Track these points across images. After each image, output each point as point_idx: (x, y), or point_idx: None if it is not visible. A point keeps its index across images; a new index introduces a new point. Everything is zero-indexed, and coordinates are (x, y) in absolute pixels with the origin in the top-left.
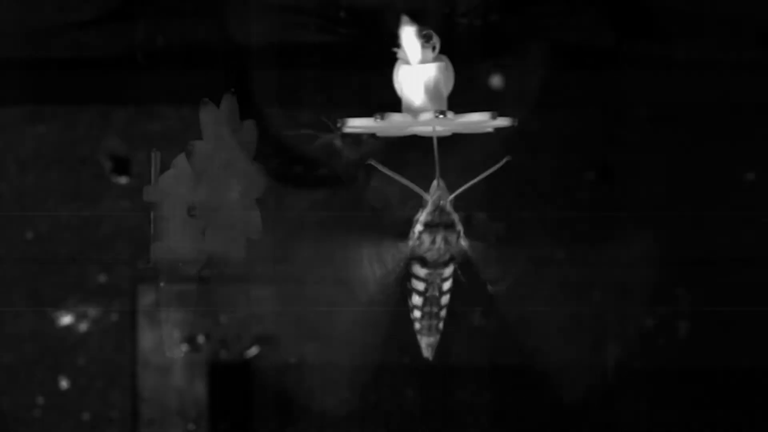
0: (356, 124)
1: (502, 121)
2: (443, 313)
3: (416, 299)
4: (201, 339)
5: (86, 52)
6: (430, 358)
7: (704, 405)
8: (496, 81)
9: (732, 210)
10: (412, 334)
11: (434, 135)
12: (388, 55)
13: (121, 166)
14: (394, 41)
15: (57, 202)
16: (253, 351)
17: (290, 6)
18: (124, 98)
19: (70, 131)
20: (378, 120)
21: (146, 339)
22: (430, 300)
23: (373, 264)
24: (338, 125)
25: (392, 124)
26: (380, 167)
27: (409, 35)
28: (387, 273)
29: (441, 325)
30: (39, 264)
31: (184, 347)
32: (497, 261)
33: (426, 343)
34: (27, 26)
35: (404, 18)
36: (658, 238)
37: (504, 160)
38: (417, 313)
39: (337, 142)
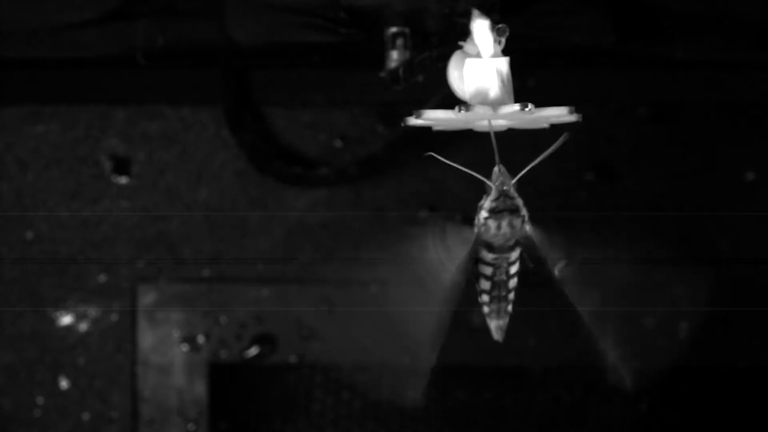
0: (433, 116)
1: (573, 117)
2: (511, 296)
3: (484, 284)
4: (201, 339)
5: (86, 52)
6: (501, 341)
7: (704, 405)
8: None
9: (732, 210)
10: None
11: (491, 125)
12: (384, 55)
13: (121, 166)
14: (465, 35)
15: (57, 202)
16: (253, 351)
17: (290, 6)
18: (124, 98)
19: (70, 131)
20: (462, 112)
21: (146, 339)
22: (498, 284)
23: (438, 250)
24: (413, 115)
25: (474, 117)
26: (440, 158)
27: (482, 28)
28: (453, 258)
29: (510, 307)
30: (39, 264)
31: (184, 347)
32: (561, 245)
33: (495, 326)
34: (27, 26)
35: (476, 12)
36: (658, 238)
37: (563, 138)
38: (485, 297)
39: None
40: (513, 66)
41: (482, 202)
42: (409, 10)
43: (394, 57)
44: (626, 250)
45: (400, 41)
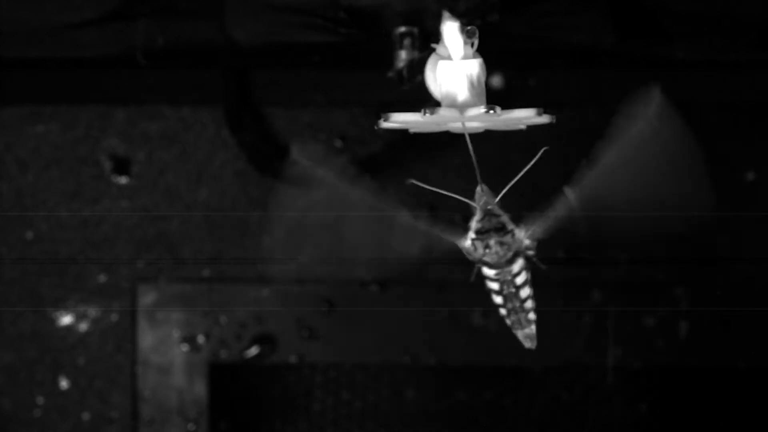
0: (400, 119)
1: (544, 118)
2: (528, 303)
3: (496, 299)
4: (201, 339)
5: (86, 52)
6: (533, 348)
7: (704, 405)
8: (495, 81)
9: (732, 210)
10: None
11: (466, 131)
12: (387, 55)
13: (121, 166)
14: (436, 37)
15: (57, 202)
16: (253, 351)
17: (290, 6)
18: (124, 98)
19: (70, 131)
20: (427, 115)
21: (146, 339)
22: (508, 297)
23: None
24: (380, 119)
25: (441, 120)
26: (422, 185)
27: (452, 31)
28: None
29: (531, 315)
30: (39, 264)
31: (184, 347)
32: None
33: (523, 336)
34: (27, 26)
35: (446, 14)
36: (659, 239)
37: (541, 151)
38: (503, 311)
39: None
40: (513, 66)
41: (470, 222)
42: (409, 10)
43: (402, 57)
44: (626, 250)
45: (407, 41)
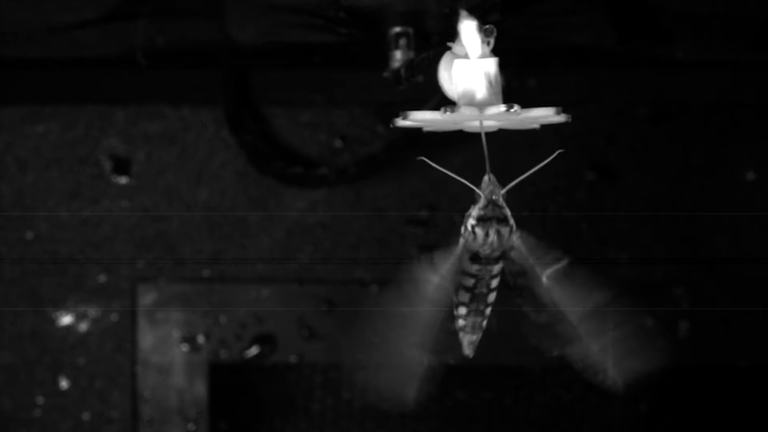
0: (419, 118)
1: (561, 118)
2: (488, 311)
3: (464, 296)
4: (201, 339)
5: (86, 52)
6: (471, 356)
7: (704, 405)
8: None
9: (732, 210)
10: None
11: (482, 131)
12: (387, 55)
13: (121, 166)
14: (451, 36)
15: (57, 202)
16: (253, 351)
17: (290, 6)
18: (124, 98)
19: (70, 131)
20: (447, 114)
21: (146, 339)
22: (477, 297)
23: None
24: (399, 116)
25: (460, 118)
26: (431, 164)
27: (469, 29)
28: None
29: (484, 323)
30: (39, 264)
31: (185, 347)
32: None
33: (468, 341)
34: (27, 26)
35: (463, 12)
36: (659, 238)
37: (555, 153)
38: (462, 310)
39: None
40: (513, 66)
41: (470, 210)
42: (409, 10)
43: (398, 57)
44: (626, 249)
45: (403, 41)
